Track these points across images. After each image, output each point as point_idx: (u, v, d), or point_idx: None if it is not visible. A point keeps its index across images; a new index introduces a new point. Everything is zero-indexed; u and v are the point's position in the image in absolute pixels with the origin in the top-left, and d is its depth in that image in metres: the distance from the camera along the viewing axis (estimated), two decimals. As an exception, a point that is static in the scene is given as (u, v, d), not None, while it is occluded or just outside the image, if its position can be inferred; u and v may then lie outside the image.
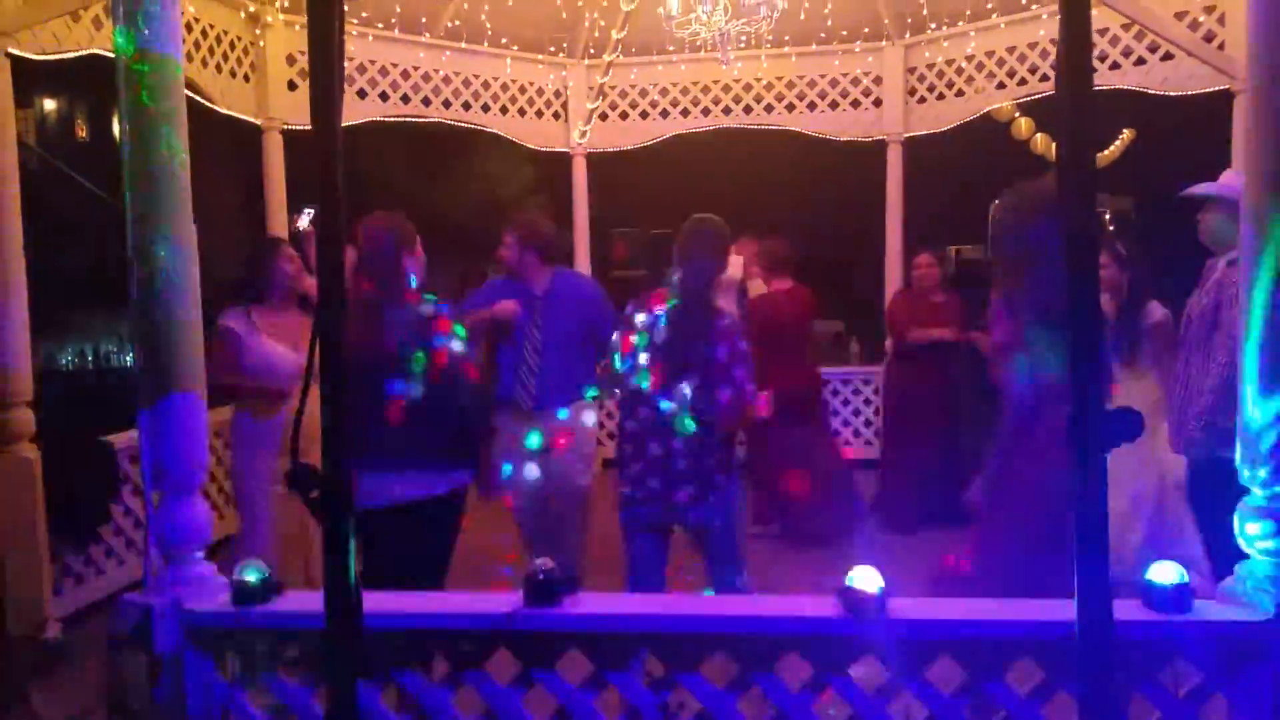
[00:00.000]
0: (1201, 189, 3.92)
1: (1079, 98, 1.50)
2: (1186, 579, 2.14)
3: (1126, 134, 13.23)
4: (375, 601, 2.08)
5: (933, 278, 6.53)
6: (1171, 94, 6.39)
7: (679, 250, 3.74)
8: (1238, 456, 2.19)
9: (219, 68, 6.14)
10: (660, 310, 3.66)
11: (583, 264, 8.25)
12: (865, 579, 2.17)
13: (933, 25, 7.48)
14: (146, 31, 2.26)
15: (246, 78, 6.45)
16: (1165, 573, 2.16)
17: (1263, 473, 2.14)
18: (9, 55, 4.45)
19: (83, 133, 19.16)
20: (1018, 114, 11.12)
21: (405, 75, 7.23)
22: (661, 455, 3.59)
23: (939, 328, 6.34)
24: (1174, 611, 2.12)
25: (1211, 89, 6.03)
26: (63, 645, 4.56)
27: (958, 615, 2.21)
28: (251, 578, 2.38)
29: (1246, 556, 2.23)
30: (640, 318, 3.70)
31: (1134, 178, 13.99)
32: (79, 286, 11.18)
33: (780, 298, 6.23)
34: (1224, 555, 2.45)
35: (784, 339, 6.06)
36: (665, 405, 3.55)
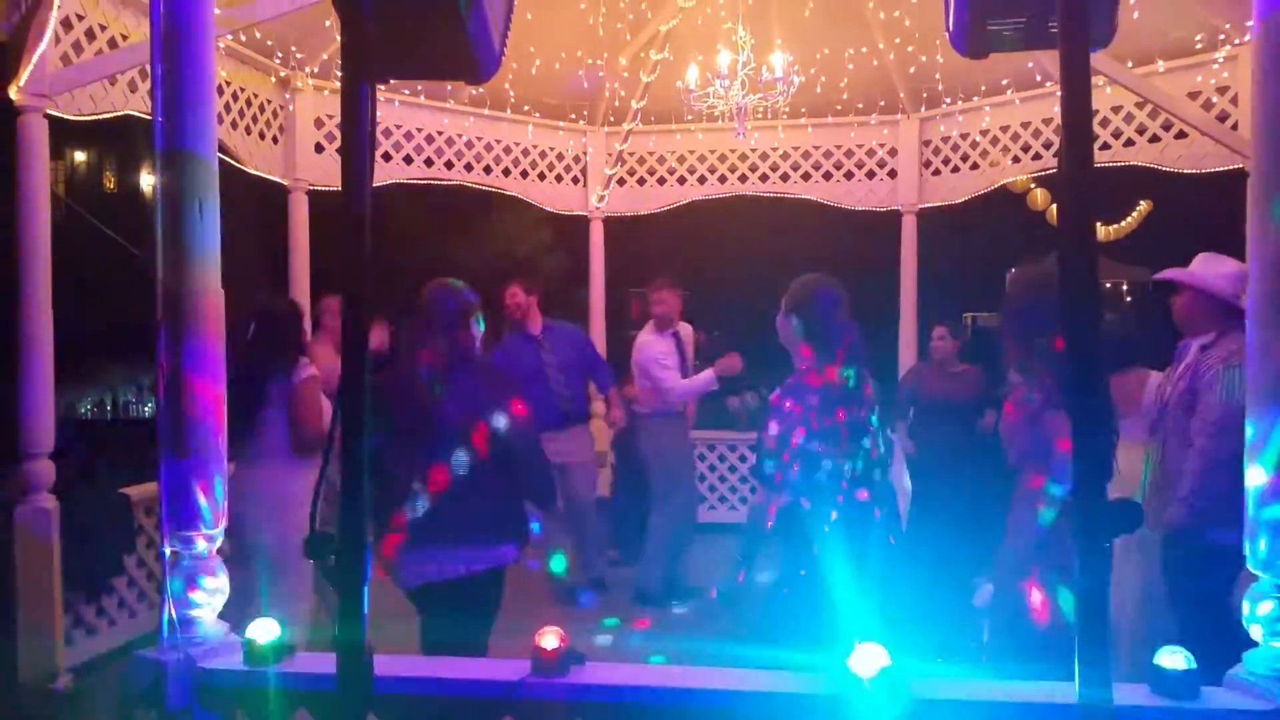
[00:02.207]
0: (1171, 274, 3.96)
1: (1080, 171, 1.54)
2: (1194, 665, 2.13)
3: (1143, 205, 13.33)
4: (386, 666, 2.10)
5: (947, 349, 6.55)
6: (1186, 171, 6.46)
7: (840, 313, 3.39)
8: (1246, 540, 2.19)
9: (248, 129, 6.30)
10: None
11: (598, 323, 8.31)
12: (867, 656, 2.16)
13: (947, 100, 7.59)
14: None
15: (275, 139, 6.61)
16: (1173, 659, 2.15)
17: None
18: (47, 116, 4.57)
19: (110, 184, 19.46)
20: (1033, 185, 11.23)
21: (429, 140, 7.39)
22: None
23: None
24: (1183, 698, 2.11)
25: (1227, 168, 6.07)
26: (73, 696, 4.56)
27: (964, 695, 2.21)
28: (263, 638, 2.40)
29: (1229, 642, 2.22)
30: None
31: (1151, 249, 14.07)
32: (99, 336, 11.33)
33: None
34: (1206, 637, 2.46)
35: None
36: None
